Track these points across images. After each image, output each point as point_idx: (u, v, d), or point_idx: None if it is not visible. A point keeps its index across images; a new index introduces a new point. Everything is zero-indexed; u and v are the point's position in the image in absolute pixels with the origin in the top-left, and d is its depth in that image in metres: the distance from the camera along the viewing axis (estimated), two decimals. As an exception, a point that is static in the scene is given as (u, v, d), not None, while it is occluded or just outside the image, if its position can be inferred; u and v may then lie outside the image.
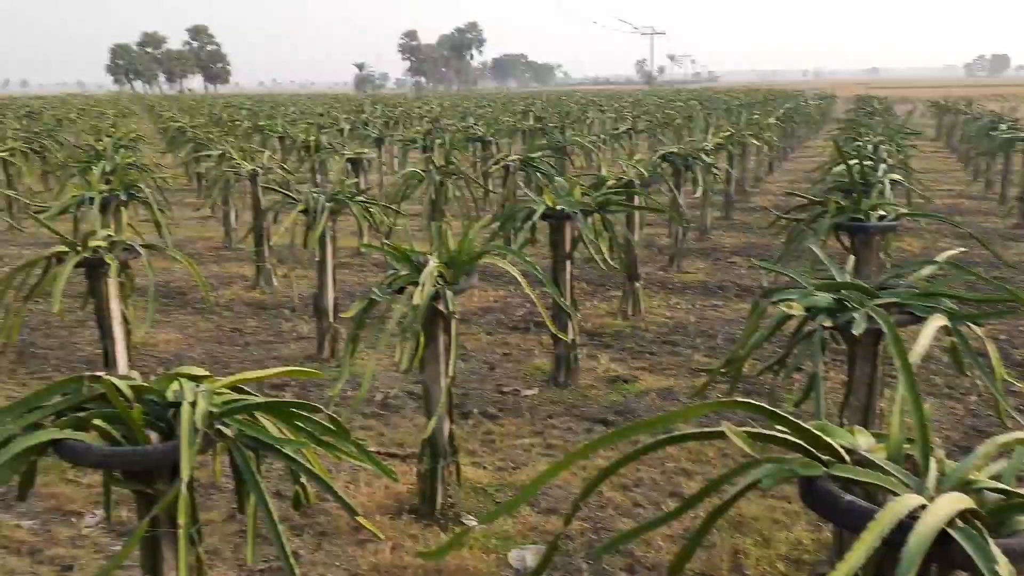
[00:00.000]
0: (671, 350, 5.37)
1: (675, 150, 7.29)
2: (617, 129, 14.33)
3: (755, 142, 11.40)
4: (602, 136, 12.86)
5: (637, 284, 6.08)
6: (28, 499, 3.55)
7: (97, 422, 1.88)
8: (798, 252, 4.46)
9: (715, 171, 8.04)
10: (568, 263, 4.67)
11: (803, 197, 4.99)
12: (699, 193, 7.55)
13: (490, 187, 9.90)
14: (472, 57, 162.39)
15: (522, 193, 8.37)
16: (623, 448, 3.53)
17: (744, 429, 1.54)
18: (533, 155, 7.86)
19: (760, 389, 4.45)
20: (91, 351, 5.53)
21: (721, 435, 1.55)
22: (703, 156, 7.43)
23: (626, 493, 3.49)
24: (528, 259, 3.48)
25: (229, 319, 6.32)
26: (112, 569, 1.84)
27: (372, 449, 3.73)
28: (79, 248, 3.82)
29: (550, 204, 4.60)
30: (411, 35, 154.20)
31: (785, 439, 1.55)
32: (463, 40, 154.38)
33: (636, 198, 5.60)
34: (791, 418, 1.57)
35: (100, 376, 1.95)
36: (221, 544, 3.15)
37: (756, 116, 15.29)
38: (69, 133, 17.15)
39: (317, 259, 5.33)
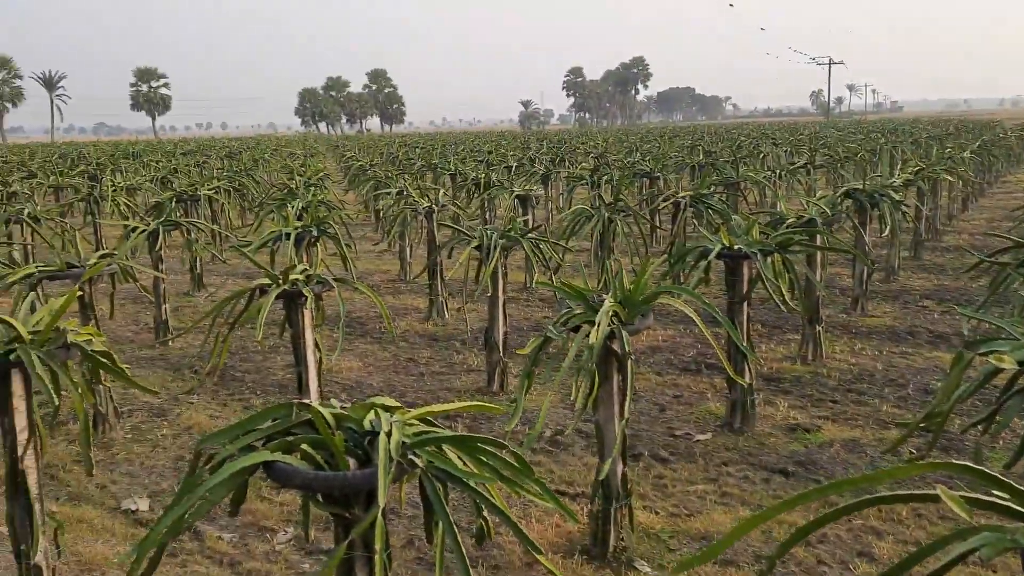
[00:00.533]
0: (856, 399, 5.08)
1: (860, 186, 6.95)
2: (793, 163, 13.83)
3: (948, 177, 10.65)
4: (777, 171, 12.45)
5: (818, 327, 5.81)
6: (229, 514, 3.85)
7: (304, 447, 2.01)
8: (1002, 298, 4.12)
9: (904, 208, 7.58)
10: (745, 304, 4.55)
11: (1007, 238, 4.61)
12: (887, 232, 7.15)
13: (658, 223, 9.84)
14: (637, 92, 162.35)
15: (691, 230, 8.25)
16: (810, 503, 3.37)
17: (961, 494, 1.44)
18: (704, 191, 7.74)
19: (959, 447, 4.12)
20: (283, 375, 5.94)
21: (933, 499, 1.45)
22: (891, 193, 7.03)
23: (809, 549, 3.32)
24: (706, 301, 3.42)
25: (404, 349, 6.59)
26: (312, 588, 1.96)
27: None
28: (280, 281, 4.13)
29: (727, 243, 4.51)
30: (576, 72, 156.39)
31: (1007, 506, 1.43)
32: (628, 75, 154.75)
33: (819, 237, 5.38)
34: (1014, 484, 1.45)
35: (308, 404, 2.09)
36: (400, 569, 3.27)
37: (949, 149, 14.32)
38: (264, 172, 18.65)
39: (488, 294, 5.48)
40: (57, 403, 2.91)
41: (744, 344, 4.25)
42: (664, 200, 7.95)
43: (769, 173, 12.11)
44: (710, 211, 7.48)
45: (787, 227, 5.02)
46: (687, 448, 4.38)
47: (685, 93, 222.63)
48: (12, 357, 2.87)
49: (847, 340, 6.36)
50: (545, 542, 3.42)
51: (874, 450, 4.25)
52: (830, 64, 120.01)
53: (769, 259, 4.46)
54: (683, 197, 7.62)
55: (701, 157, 15.48)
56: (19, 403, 2.96)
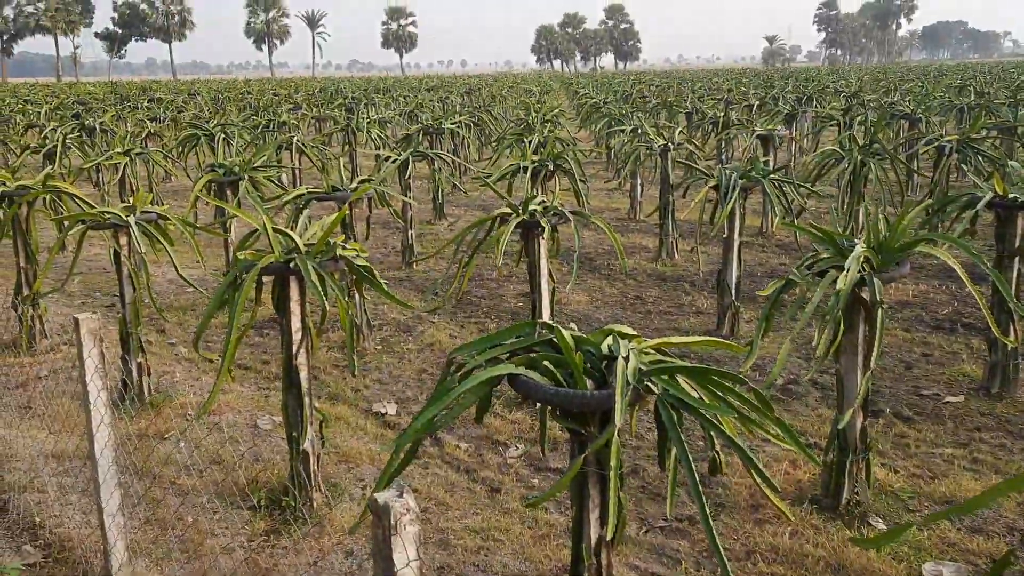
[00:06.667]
0: None
1: None
2: (1086, 106, 12.05)
3: None
4: (1065, 115, 10.92)
5: (1104, 291, 5.11)
6: (467, 426, 4.13)
7: (546, 364, 2.12)
8: None
9: None
10: (1016, 260, 4.10)
11: None
12: None
13: (916, 169, 9.03)
14: (898, 26, 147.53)
15: (955, 180, 7.49)
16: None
17: None
18: (975, 135, 6.97)
19: None
20: (514, 303, 6.20)
21: None
22: None
23: (1073, 530, 3.01)
24: (974, 251, 3.13)
25: (632, 287, 6.62)
26: (551, 496, 2.08)
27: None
28: (519, 211, 4.29)
29: (1000, 191, 4.07)
30: (829, 4, 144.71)
31: None
32: (889, 7, 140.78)
33: (1115, 189, 4.70)
34: None
35: (550, 324, 2.19)
36: (624, 495, 3.36)
37: None
38: (501, 108, 19.19)
39: (724, 236, 5.34)
40: (326, 307, 3.26)
41: (1014, 301, 3.85)
42: (926, 144, 7.26)
43: (1055, 116, 10.65)
44: (980, 158, 6.74)
45: (1077, 176, 4.42)
46: (935, 409, 4.09)
47: (955, 27, 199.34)
48: (291, 265, 3.24)
49: None
50: (771, 487, 3.36)
51: None
52: None
53: (1052, 210, 3.98)
54: (948, 141, 6.92)
55: (972, 98, 13.90)
56: (295, 307, 3.35)
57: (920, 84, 21.69)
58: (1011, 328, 4.02)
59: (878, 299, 2.98)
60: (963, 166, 6.78)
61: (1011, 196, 4.01)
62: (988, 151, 6.84)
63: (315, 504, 3.40)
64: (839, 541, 2.92)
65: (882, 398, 4.22)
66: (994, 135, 8.97)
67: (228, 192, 6.36)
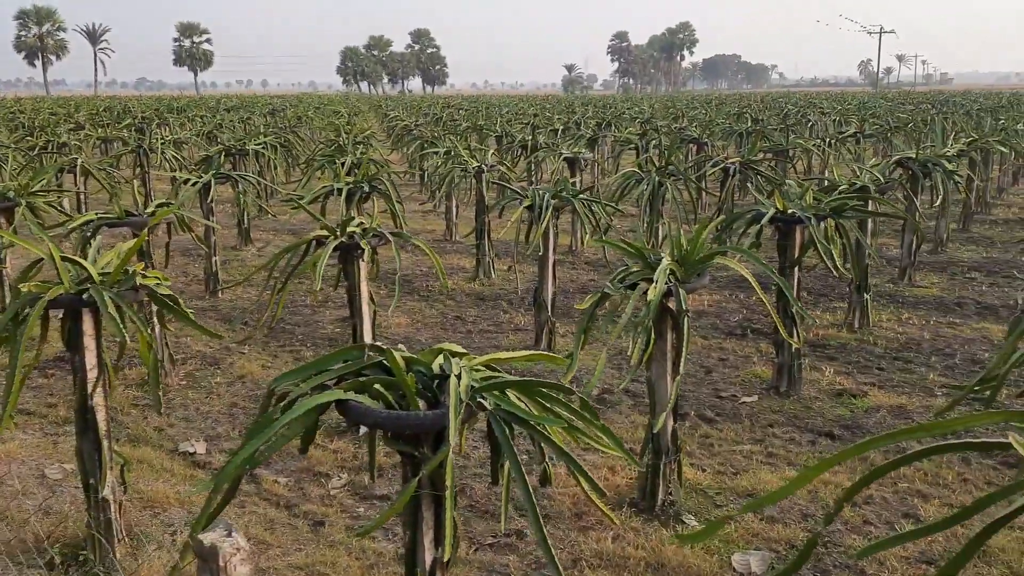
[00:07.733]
0: (903, 367, 5.06)
1: (912, 155, 6.82)
2: (842, 132, 13.58)
3: (1002, 149, 10.39)
4: (826, 139, 12.24)
5: (866, 295, 5.76)
6: (285, 459, 3.96)
7: (378, 387, 2.08)
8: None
9: (956, 179, 7.43)
10: (796, 269, 4.53)
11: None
12: (938, 202, 7.01)
13: (705, 188, 9.73)
14: (682, 58, 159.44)
15: (738, 198, 8.18)
16: (854, 464, 3.39)
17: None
18: (754, 158, 7.65)
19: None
20: (331, 329, 6.04)
21: (1003, 447, 1.46)
22: (944, 162, 6.90)
23: (855, 510, 3.35)
24: (763, 262, 3.42)
25: (452, 308, 6.66)
26: (384, 522, 2.03)
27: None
28: (338, 233, 4.20)
29: (780, 207, 4.49)
30: (621, 36, 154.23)
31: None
32: (674, 41, 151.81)
33: (871, 203, 5.32)
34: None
35: (381, 347, 2.15)
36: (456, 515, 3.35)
37: (1002, 121, 13.94)
38: (308, 129, 18.75)
39: (540, 254, 5.50)
40: (127, 342, 3.01)
41: (797, 305, 4.24)
42: (714, 166, 7.88)
43: (818, 141, 11.91)
44: (759, 177, 7.41)
45: (840, 193, 4.97)
46: (733, 409, 4.41)
47: (731, 60, 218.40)
48: (84, 296, 2.97)
49: (894, 309, 6.31)
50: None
51: (921, 416, 4.25)
52: (880, 33, 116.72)
53: (822, 224, 4.43)
54: (733, 163, 7.55)
55: (749, 124, 15.25)
56: (89, 342, 3.06)
57: (704, 111, 23.53)
58: (795, 331, 4.42)
59: (684, 308, 3.18)
60: (748, 185, 7.42)
61: (790, 211, 4.43)
62: (766, 172, 7.52)
63: (118, 555, 3.12)
64: (657, 541, 3.07)
65: (687, 401, 4.50)
66: (770, 157, 9.89)
67: (2, 219, 5.76)
